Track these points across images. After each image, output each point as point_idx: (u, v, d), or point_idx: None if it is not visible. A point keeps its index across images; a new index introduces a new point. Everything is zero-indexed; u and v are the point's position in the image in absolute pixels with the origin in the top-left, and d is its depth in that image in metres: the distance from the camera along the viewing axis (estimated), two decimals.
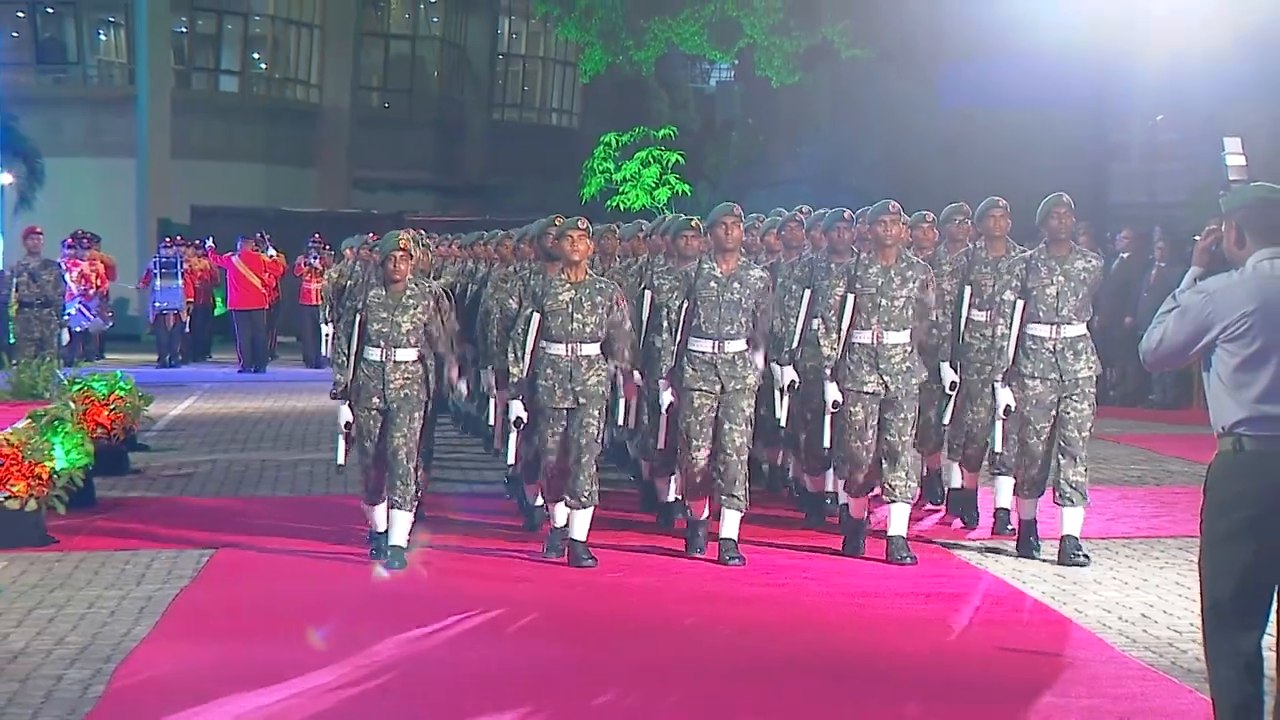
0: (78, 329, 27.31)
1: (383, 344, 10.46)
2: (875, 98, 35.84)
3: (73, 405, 14.04)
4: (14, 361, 19.53)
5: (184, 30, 45.16)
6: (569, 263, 10.60)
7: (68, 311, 25.60)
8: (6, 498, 11.11)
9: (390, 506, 10.52)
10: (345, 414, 10.57)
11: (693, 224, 11.10)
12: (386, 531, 10.63)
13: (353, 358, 10.49)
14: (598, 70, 38.83)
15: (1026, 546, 10.86)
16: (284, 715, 7.44)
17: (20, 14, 43.58)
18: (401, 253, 10.49)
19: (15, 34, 41.76)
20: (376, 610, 9.46)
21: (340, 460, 10.84)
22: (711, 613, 9.43)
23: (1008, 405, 10.70)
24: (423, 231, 17.22)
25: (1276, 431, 5.60)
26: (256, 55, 46.97)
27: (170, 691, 7.82)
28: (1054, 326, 10.61)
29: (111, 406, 14.89)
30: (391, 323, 10.46)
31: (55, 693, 7.72)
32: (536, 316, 10.53)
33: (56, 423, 12.80)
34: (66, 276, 25.91)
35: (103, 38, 45.39)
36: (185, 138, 42.80)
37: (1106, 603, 9.49)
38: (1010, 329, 10.70)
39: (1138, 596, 9.64)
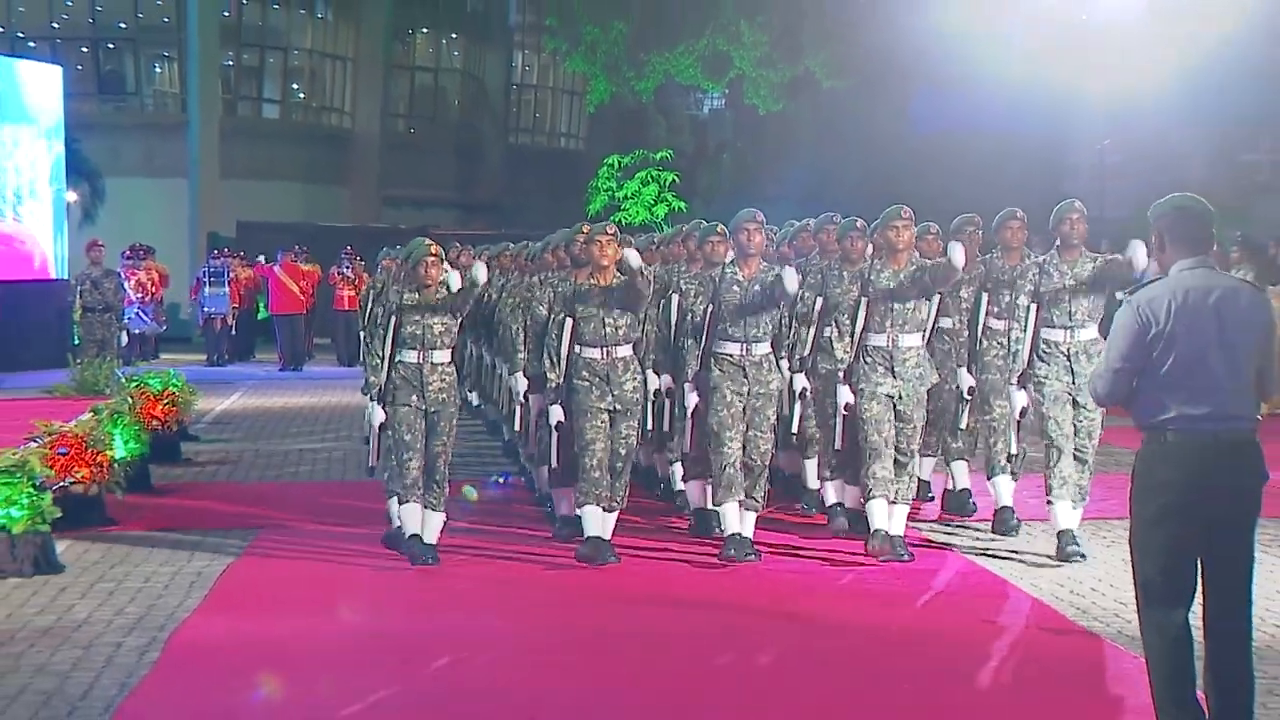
0: (135, 331, 27.33)
1: (418, 347, 9.81)
2: (853, 124, 35.89)
3: (130, 400, 14.08)
4: (78, 361, 19.60)
5: (231, 63, 45.26)
6: (598, 267, 9.95)
7: (126, 316, 25.72)
8: (72, 483, 11.11)
9: (425, 507, 9.78)
10: (379, 415, 9.86)
11: (718, 230, 10.43)
12: (418, 535, 9.79)
13: (387, 360, 9.87)
14: (602, 99, 38.93)
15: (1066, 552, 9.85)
16: (320, 678, 7.47)
17: (84, 49, 43.83)
18: (433, 258, 9.86)
19: (80, 67, 41.80)
20: (404, 584, 9.45)
21: (373, 462, 10.22)
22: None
23: (1023, 408, 10.06)
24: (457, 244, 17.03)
25: (1196, 427, 5.58)
26: (295, 86, 47.06)
27: (219, 657, 7.84)
28: (1068, 331, 9.99)
29: (165, 401, 14.88)
30: (424, 325, 9.80)
31: (115, 658, 7.73)
32: (569, 322, 9.89)
33: (116, 416, 12.83)
34: (125, 284, 26.02)
35: (158, 70, 45.52)
36: (232, 160, 42.86)
37: (1060, 578, 9.43)
38: (1025, 333, 10.05)
39: (1087, 572, 9.56)
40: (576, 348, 9.90)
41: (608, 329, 9.89)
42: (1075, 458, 9.94)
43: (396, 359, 9.86)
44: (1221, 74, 28.90)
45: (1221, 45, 27.51)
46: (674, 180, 34.99)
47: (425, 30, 49.86)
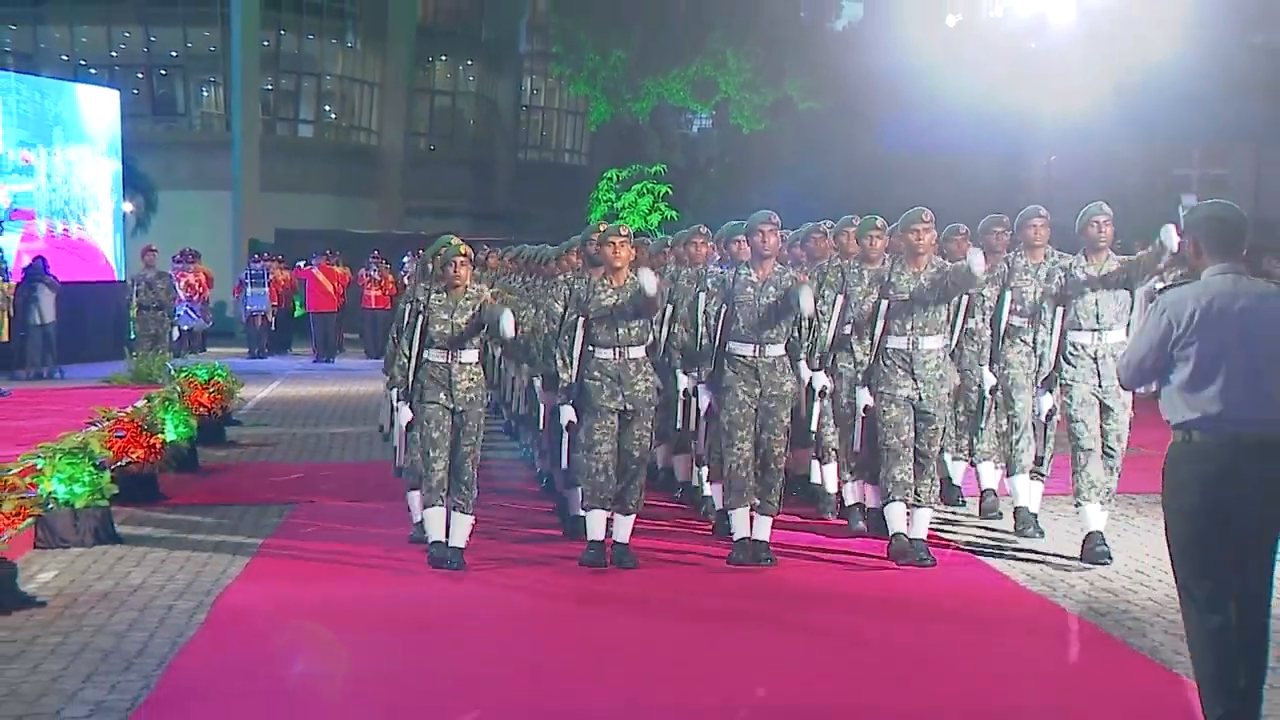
0: (185, 327, 27.44)
1: (447, 346, 8.81)
2: (828, 142, 35.85)
3: (180, 389, 14.08)
4: (134, 353, 19.61)
5: (270, 88, 45.27)
6: (611, 268, 8.94)
7: (177, 313, 25.77)
8: (128, 462, 11.12)
9: (453, 509, 8.82)
10: (406, 414, 8.90)
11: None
12: (442, 541, 8.86)
13: (414, 359, 8.87)
14: (603, 119, 38.87)
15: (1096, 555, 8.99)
16: (348, 635, 7.45)
17: (140, 75, 43.92)
18: (462, 258, 8.90)
19: (135, 91, 41.80)
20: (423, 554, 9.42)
21: (400, 462, 9.18)
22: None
23: (1050, 410, 9.21)
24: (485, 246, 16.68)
25: (1221, 426, 5.26)
26: (328, 108, 47.06)
27: (259, 618, 7.85)
28: (1095, 334, 9.04)
29: (211, 390, 14.92)
30: (452, 324, 8.79)
31: (167, 619, 7.74)
32: (582, 321, 8.89)
33: (167, 403, 12.84)
34: (176, 285, 26.04)
35: (205, 94, 45.55)
36: (271, 174, 42.82)
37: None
38: (1051, 336, 9.13)
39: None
40: (589, 348, 8.90)
41: (620, 330, 8.88)
42: (1103, 459, 9.01)
43: (424, 358, 8.87)
44: (1154, 95, 28.95)
45: (1154, 70, 27.60)
46: (667, 192, 35.03)
47: (444, 58, 49.84)
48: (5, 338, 16.90)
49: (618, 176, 35.67)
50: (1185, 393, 5.34)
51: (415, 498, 9.25)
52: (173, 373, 15.82)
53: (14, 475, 9.07)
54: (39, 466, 9.54)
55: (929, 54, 29.91)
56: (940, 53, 29.58)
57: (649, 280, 8.65)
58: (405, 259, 27.17)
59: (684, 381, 9.38)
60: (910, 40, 30.93)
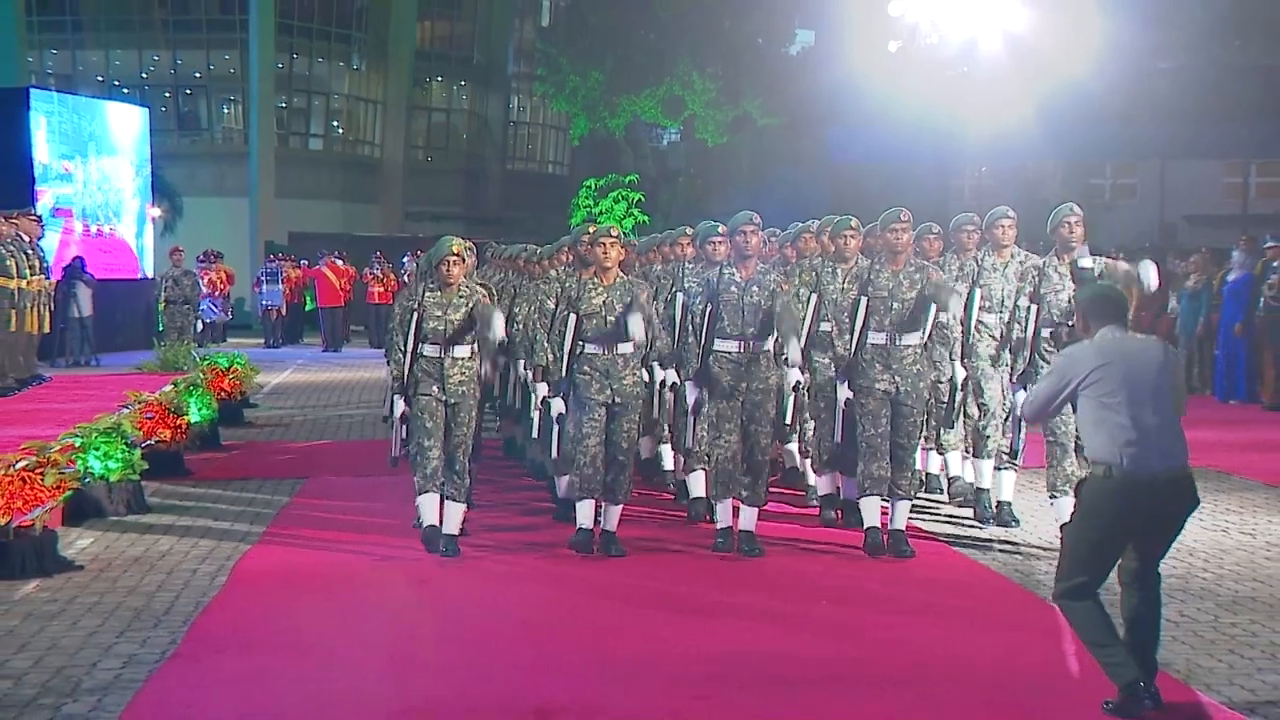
0: (207, 320, 27.37)
1: (440, 341, 8.34)
2: (783, 155, 35.94)
3: (203, 375, 14.04)
4: (162, 344, 19.51)
5: (284, 105, 45.20)
6: (601, 268, 8.47)
7: (201, 307, 25.74)
8: (157, 441, 11.09)
9: (445, 498, 8.34)
10: (400, 406, 8.41)
11: (720, 231, 8.75)
12: (436, 525, 8.38)
13: (409, 354, 8.39)
14: (582, 133, 38.89)
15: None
16: (355, 596, 7.44)
17: (167, 93, 44.04)
18: (455, 256, 8.39)
19: (163, 109, 41.76)
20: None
21: (395, 453, 8.55)
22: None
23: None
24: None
25: (1134, 459, 5.46)
26: (335, 123, 46.99)
27: (275, 580, 7.84)
28: (1069, 329, 8.43)
29: (231, 376, 14.88)
30: (446, 321, 8.32)
31: (191, 581, 7.73)
32: (573, 318, 8.40)
33: (192, 387, 12.82)
34: (200, 282, 25.96)
35: (225, 111, 45.51)
36: (284, 182, 42.75)
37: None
38: (1025, 333, 8.64)
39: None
40: (580, 343, 8.43)
41: (609, 326, 8.37)
42: (1077, 454, 8.39)
43: (419, 353, 8.39)
44: (1072, 114, 29.08)
45: (1071, 92, 27.73)
46: (640, 199, 35.14)
47: (440, 78, 49.71)
48: (47, 330, 16.81)
49: (596, 185, 35.76)
50: (1096, 428, 5.56)
51: (451, 508, 8.43)
52: (197, 361, 15.76)
53: (55, 453, 9.04)
54: (77, 445, 9.51)
55: (873, 76, 29.96)
56: (883, 75, 29.64)
57: (637, 331, 8.21)
58: (405, 258, 27.08)
59: (660, 374, 9.09)
60: (856, 64, 30.96)
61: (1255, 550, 8.45)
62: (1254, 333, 16.52)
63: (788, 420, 8.93)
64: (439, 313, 8.37)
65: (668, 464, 10.30)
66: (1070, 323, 8.19)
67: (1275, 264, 16.30)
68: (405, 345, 8.39)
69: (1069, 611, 5.61)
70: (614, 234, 8.57)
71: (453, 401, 8.36)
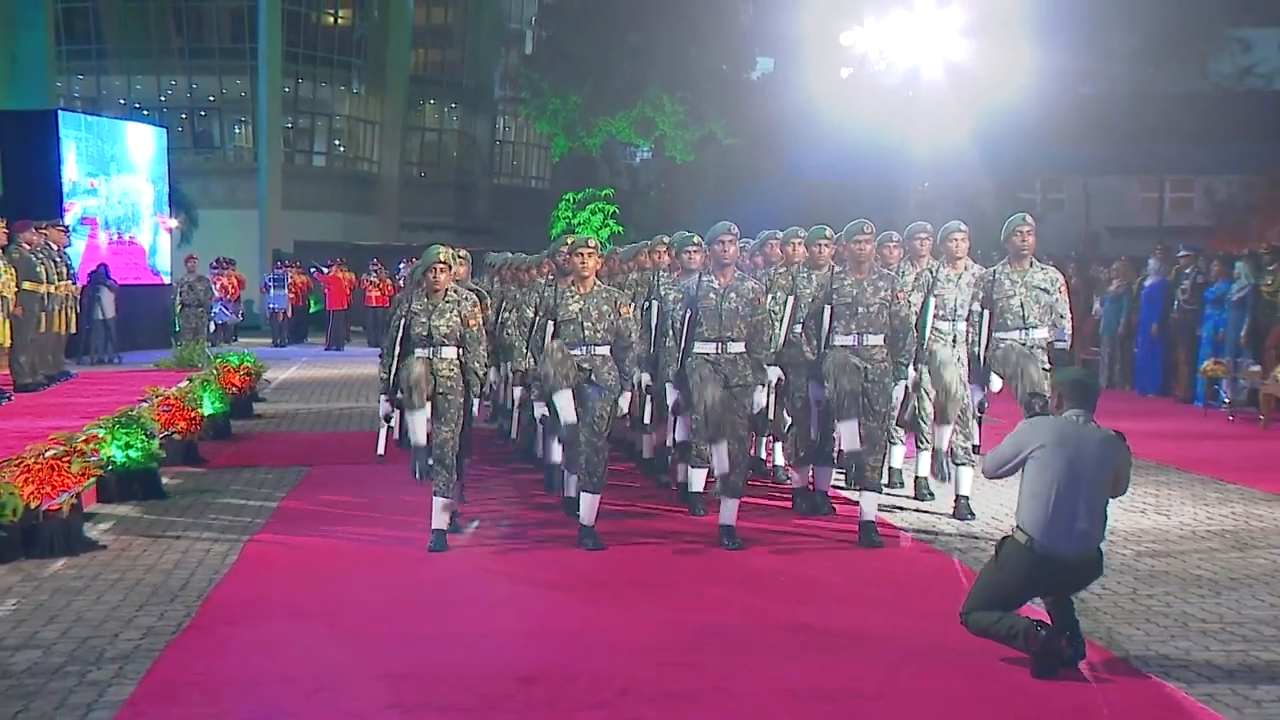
0: (220, 322, 27.35)
1: (428, 346, 7.93)
2: (745, 171, 36.00)
3: (216, 371, 13.99)
4: (178, 343, 19.48)
5: (290, 125, 45.20)
6: (579, 277, 8.13)
7: (214, 310, 25.64)
8: (173, 432, 11.06)
9: (432, 493, 7.98)
10: (385, 407, 8.11)
11: (695, 240, 8.60)
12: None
13: (397, 359, 7.99)
14: (563, 151, 38.85)
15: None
16: (358, 574, 7.42)
17: (183, 115, 44.04)
18: (441, 264, 7.97)
19: (180, 129, 41.73)
20: (426, 505, 9.26)
21: (380, 451, 8.16)
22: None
23: (981, 402, 8.58)
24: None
25: (1053, 542, 5.50)
26: (337, 142, 46.94)
27: (282, 559, 7.82)
28: (1022, 332, 8.37)
29: (241, 372, 14.84)
30: (430, 326, 7.92)
31: (205, 560, 7.70)
32: (551, 324, 8.09)
33: (205, 383, 12.77)
34: (213, 287, 25.90)
35: (237, 130, 45.46)
36: (290, 196, 42.76)
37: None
38: (980, 336, 8.48)
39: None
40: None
41: (587, 332, 8.03)
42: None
43: (407, 357, 7.97)
44: (1005, 135, 29.29)
45: (1004, 115, 27.95)
46: (615, 211, 35.23)
47: (432, 101, 49.69)
48: (74, 330, 16.73)
49: (574, 198, 35.83)
50: (1031, 499, 5.58)
51: (438, 503, 7.99)
52: (210, 359, 15.71)
53: (81, 442, 9.01)
54: (100, 435, 9.48)
55: (826, 100, 30.10)
56: (835, 99, 29.77)
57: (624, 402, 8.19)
58: (401, 265, 27.11)
59: (636, 376, 8.72)
60: (811, 89, 31.10)
61: (1169, 530, 8.51)
62: (1169, 333, 16.69)
63: (769, 415, 8.71)
64: (424, 319, 7.97)
65: (646, 452, 10.19)
66: (1043, 394, 7.92)
67: (1187, 271, 16.46)
68: (393, 349, 8.02)
69: (971, 626, 5.64)
70: (591, 245, 8.21)
71: (439, 400, 7.93)
